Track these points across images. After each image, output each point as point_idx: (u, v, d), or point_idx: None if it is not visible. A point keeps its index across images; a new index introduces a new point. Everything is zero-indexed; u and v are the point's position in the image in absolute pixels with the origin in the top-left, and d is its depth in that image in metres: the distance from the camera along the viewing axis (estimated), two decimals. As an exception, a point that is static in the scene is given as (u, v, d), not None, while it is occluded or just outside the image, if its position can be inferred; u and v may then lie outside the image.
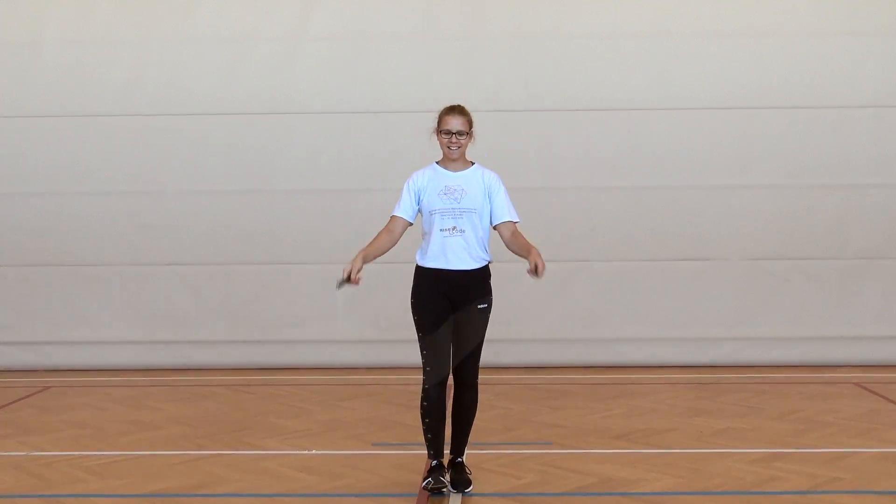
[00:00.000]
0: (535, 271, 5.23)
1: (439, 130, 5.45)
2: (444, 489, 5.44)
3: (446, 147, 5.44)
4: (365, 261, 5.40)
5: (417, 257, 5.50)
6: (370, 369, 9.53)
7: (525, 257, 5.34)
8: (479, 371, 5.55)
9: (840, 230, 9.54)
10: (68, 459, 6.25)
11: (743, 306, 9.56)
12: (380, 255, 5.51)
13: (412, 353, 9.22)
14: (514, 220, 5.49)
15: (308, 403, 7.98)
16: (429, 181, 5.46)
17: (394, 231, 5.50)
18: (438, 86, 9.37)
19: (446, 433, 5.54)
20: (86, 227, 9.64)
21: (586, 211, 9.55)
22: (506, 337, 8.72)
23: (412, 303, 5.46)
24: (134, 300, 9.69)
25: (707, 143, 9.54)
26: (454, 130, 5.41)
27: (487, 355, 5.89)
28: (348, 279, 5.33)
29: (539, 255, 5.28)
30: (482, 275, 5.47)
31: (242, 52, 9.59)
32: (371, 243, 5.49)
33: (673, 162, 9.54)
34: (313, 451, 6.39)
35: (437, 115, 5.50)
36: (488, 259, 5.51)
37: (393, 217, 5.51)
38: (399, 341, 9.40)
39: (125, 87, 9.59)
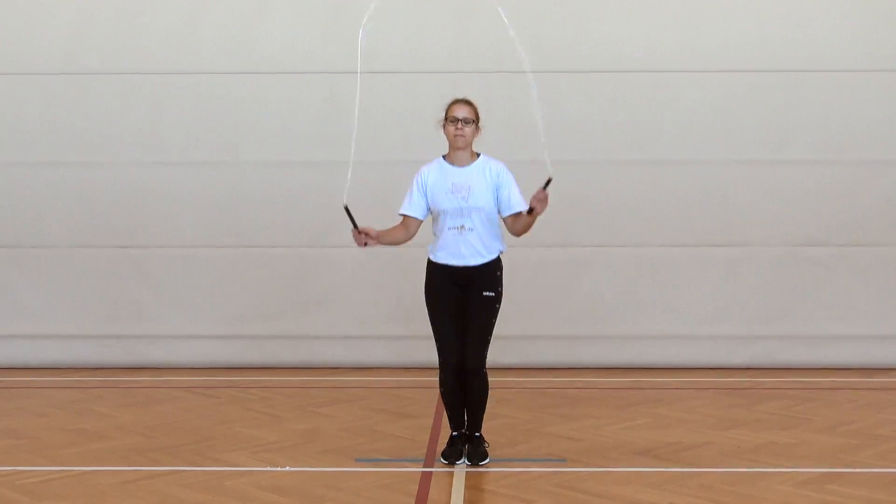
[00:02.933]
0: (539, 198, 6.01)
1: (446, 120, 6.17)
2: (456, 460, 6.26)
3: (452, 136, 6.14)
4: (378, 239, 6.17)
5: (429, 251, 6.26)
6: (354, 370, 9.51)
7: (526, 224, 6.19)
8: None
9: (894, 213, 9.51)
10: (-1, 476, 6.18)
11: (782, 299, 9.54)
12: (392, 244, 6.34)
13: (404, 352, 9.41)
14: (523, 210, 6.18)
15: (281, 410, 7.94)
16: (436, 179, 6.19)
17: (409, 228, 6.29)
18: (432, 42, 9.43)
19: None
20: (23, 203, 9.61)
21: (603, 188, 9.52)
22: (510, 333, 8.69)
23: (426, 294, 6.27)
24: (80, 288, 9.66)
25: (742, 111, 9.52)
26: (460, 117, 6.12)
27: (489, 354, 6.22)
28: (355, 226, 6.08)
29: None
30: (492, 267, 6.23)
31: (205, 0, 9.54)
32: (387, 230, 6.26)
33: (702, 133, 9.54)
34: (287, 468, 6.33)
35: (444, 108, 6.21)
36: (502, 249, 6.29)
37: (404, 217, 6.27)
38: (388, 337, 9.40)
39: (67, 41, 9.54)
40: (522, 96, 9.29)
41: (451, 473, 6.11)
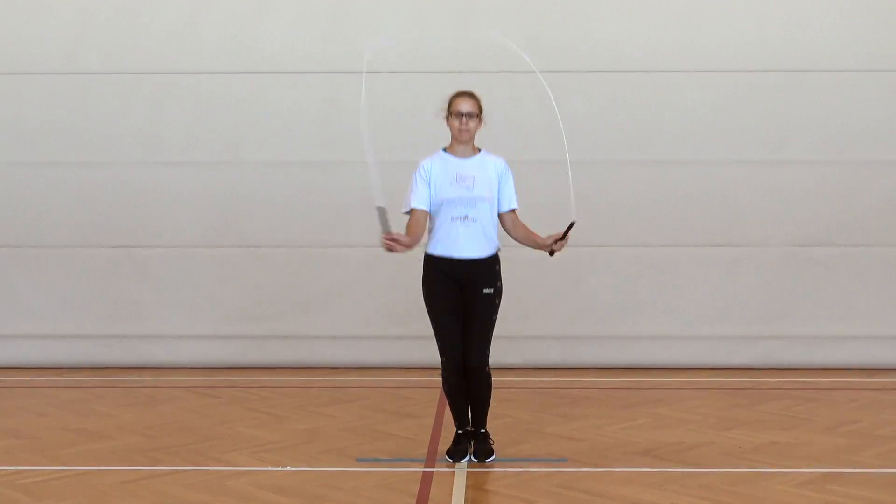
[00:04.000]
0: (558, 241, 6.17)
1: (449, 113, 6.16)
2: (461, 458, 6.28)
3: (457, 130, 6.13)
4: (409, 246, 6.04)
5: (426, 247, 6.22)
6: (355, 369, 9.48)
7: (534, 245, 6.28)
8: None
9: (894, 213, 9.47)
10: (0, 476, 6.13)
11: (783, 299, 9.52)
12: (414, 247, 6.16)
13: (404, 352, 9.40)
14: (516, 208, 6.29)
15: (282, 409, 7.92)
16: (439, 169, 6.16)
17: (420, 222, 6.15)
18: (432, 42, 9.39)
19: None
20: (23, 203, 9.59)
21: (603, 188, 9.47)
22: (511, 334, 8.68)
23: (424, 292, 6.22)
24: (80, 288, 9.63)
25: (742, 111, 9.49)
26: (465, 112, 6.10)
27: (490, 354, 6.22)
28: (387, 229, 5.92)
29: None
30: (490, 262, 6.21)
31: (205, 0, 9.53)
32: (412, 235, 6.13)
33: (703, 133, 9.51)
34: (288, 468, 6.32)
35: (446, 100, 6.21)
36: (498, 245, 6.26)
37: (413, 211, 6.16)
38: (389, 337, 9.38)
39: (68, 41, 9.52)
40: (522, 96, 9.36)
41: (453, 473, 6.10)
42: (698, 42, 9.47)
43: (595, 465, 6.32)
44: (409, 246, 6.02)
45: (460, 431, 6.39)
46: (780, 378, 9.07)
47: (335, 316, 9.54)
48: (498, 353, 6.62)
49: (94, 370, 9.49)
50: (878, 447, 6.74)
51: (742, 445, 6.78)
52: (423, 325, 6.47)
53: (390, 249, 5.95)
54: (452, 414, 6.41)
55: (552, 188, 9.33)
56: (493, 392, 6.40)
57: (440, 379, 6.37)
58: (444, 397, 6.57)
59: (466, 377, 6.23)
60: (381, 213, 5.85)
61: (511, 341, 8.93)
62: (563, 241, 6.16)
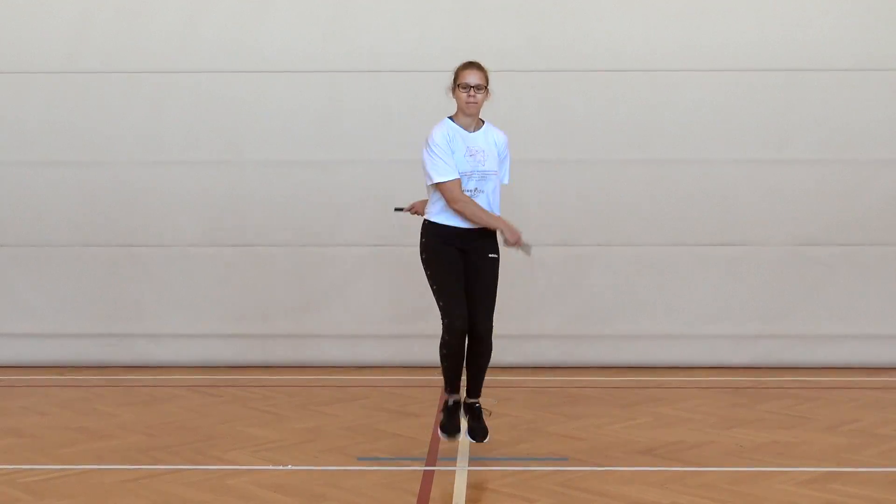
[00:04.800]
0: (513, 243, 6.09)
1: (457, 85, 6.09)
2: (455, 433, 6.27)
3: (464, 103, 6.07)
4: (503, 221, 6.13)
5: (428, 213, 6.18)
6: (355, 368, 9.45)
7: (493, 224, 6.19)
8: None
9: (895, 212, 9.44)
10: (1, 474, 6.11)
11: (783, 299, 9.48)
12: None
13: (405, 351, 9.39)
14: (506, 184, 6.32)
15: (283, 409, 7.90)
16: (452, 139, 6.09)
17: (462, 192, 6.08)
18: (432, 41, 9.36)
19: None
20: (24, 202, 9.55)
21: (603, 187, 9.46)
22: (512, 333, 8.68)
23: (423, 257, 6.17)
24: (81, 287, 9.60)
25: (742, 110, 9.46)
26: (472, 84, 6.04)
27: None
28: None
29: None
30: (492, 230, 6.20)
31: (206, -1, 9.55)
32: (480, 210, 6.09)
33: (703, 132, 9.48)
34: (289, 467, 6.31)
35: (453, 72, 6.15)
36: (499, 215, 6.25)
37: (449, 184, 6.02)
38: (389, 336, 9.37)
39: (68, 41, 9.48)
40: (523, 96, 9.36)
41: (454, 472, 6.09)
42: (698, 42, 9.44)
43: (596, 465, 6.30)
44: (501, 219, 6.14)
45: (450, 402, 6.26)
46: (780, 377, 9.05)
47: (336, 315, 9.52)
48: (498, 352, 6.57)
49: (94, 369, 9.46)
50: (878, 446, 6.73)
51: (743, 444, 6.76)
52: (423, 323, 6.47)
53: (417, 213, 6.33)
54: (446, 378, 6.23)
55: (552, 188, 9.46)
56: (494, 391, 6.45)
57: (440, 379, 6.33)
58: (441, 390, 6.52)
59: (470, 344, 6.14)
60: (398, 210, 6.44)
61: (511, 340, 8.88)
62: (514, 243, 6.10)
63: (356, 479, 6.02)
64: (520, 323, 9.13)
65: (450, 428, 6.27)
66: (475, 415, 6.31)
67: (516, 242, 6.08)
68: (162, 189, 9.51)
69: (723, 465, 6.30)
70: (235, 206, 9.52)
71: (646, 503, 5.57)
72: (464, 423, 6.36)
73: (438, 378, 6.43)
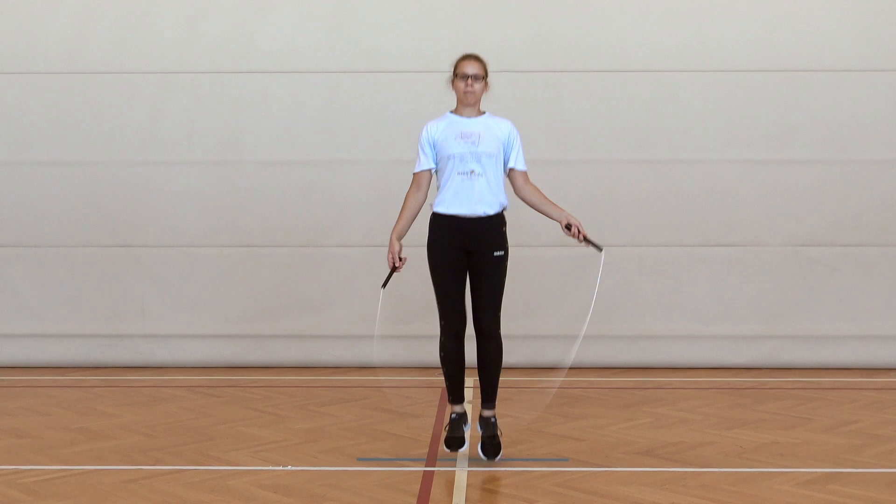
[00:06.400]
0: (576, 235, 6.24)
1: (455, 76, 6.19)
2: (458, 447, 6.25)
3: (462, 93, 6.16)
4: (400, 238, 6.24)
5: (434, 205, 6.22)
6: (356, 369, 9.45)
7: (546, 213, 6.31)
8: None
9: (895, 212, 9.43)
10: (1, 475, 6.12)
11: (784, 299, 9.46)
12: (414, 219, 6.27)
13: (405, 352, 9.38)
14: (525, 170, 6.30)
15: (283, 409, 7.91)
16: (444, 129, 6.19)
17: (421, 186, 6.24)
18: (435, 41, 9.33)
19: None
20: (25, 202, 9.54)
21: (605, 187, 9.45)
22: (511, 333, 8.44)
23: (429, 254, 6.22)
24: (81, 287, 9.59)
25: (743, 110, 9.44)
26: (470, 73, 6.14)
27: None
28: (393, 270, 6.28)
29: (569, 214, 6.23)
30: (498, 222, 6.22)
31: (208, -1, 9.55)
32: (400, 215, 6.23)
33: (704, 132, 9.46)
34: (289, 467, 6.31)
35: (452, 64, 6.24)
36: (505, 204, 6.26)
37: (416, 174, 6.24)
38: (389, 337, 9.36)
39: (69, 40, 9.47)
40: (523, 96, 9.36)
41: (454, 473, 6.09)
42: (699, 42, 9.42)
43: (596, 465, 6.30)
44: (399, 248, 6.25)
45: (453, 416, 6.26)
46: (781, 378, 9.05)
47: (337, 315, 9.51)
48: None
49: (95, 369, 9.47)
50: (879, 447, 6.73)
51: (743, 445, 6.76)
52: (423, 324, 6.46)
53: (400, 269, 6.33)
54: (448, 387, 6.28)
55: (552, 188, 9.41)
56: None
57: (441, 379, 6.35)
58: (444, 404, 6.54)
59: (478, 343, 6.20)
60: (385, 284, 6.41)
61: (512, 340, 8.73)
62: (577, 236, 6.25)
63: (356, 479, 6.02)
64: (520, 323, 9.11)
65: (452, 442, 6.26)
66: (489, 429, 6.30)
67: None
68: (162, 189, 9.50)
69: (723, 465, 6.30)
70: (235, 206, 9.51)
71: (646, 503, 5.57)
72: (472, 431, 6.40)
73: (439, 379, 6.42)
